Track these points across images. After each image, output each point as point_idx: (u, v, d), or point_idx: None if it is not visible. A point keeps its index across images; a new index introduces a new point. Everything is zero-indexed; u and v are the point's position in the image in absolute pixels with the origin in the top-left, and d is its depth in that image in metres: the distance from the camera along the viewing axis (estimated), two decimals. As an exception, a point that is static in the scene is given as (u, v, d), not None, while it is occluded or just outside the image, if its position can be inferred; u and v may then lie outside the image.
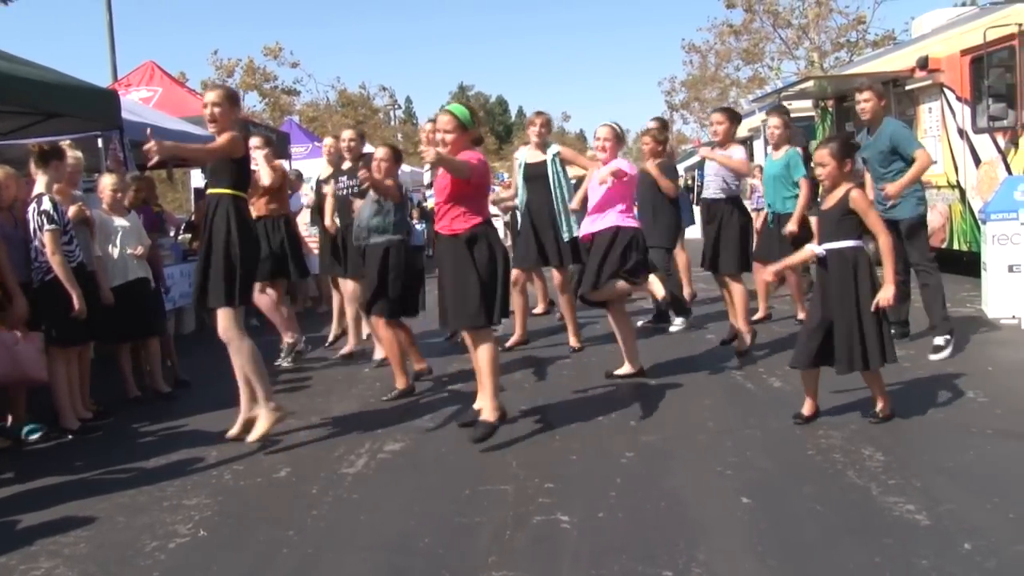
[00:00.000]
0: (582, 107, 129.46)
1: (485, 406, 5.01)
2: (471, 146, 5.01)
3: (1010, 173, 9.06)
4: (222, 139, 4.99)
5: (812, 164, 5.06)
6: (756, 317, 7.95)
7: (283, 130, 16.13)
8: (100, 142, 8.54)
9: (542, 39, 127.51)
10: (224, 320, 5.01)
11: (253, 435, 5.09)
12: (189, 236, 10.41)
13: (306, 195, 9.85)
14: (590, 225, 6.08)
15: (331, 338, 8.22)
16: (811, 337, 4.85)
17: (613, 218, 5.94)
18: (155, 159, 4.52)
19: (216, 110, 5.02)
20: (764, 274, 5.77)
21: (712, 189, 7.07)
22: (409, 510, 4.02)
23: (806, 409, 5.03)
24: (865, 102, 6.46)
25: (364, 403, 6.13)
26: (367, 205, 6.27)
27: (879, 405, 4.96)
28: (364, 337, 7.73)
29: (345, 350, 7.75)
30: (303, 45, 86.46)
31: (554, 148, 7.38)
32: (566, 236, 7.25)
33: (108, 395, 6.36)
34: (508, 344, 7.52)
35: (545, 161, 7.33)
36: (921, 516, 3.58)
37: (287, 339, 7.47)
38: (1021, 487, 3.86)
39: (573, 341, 7.49)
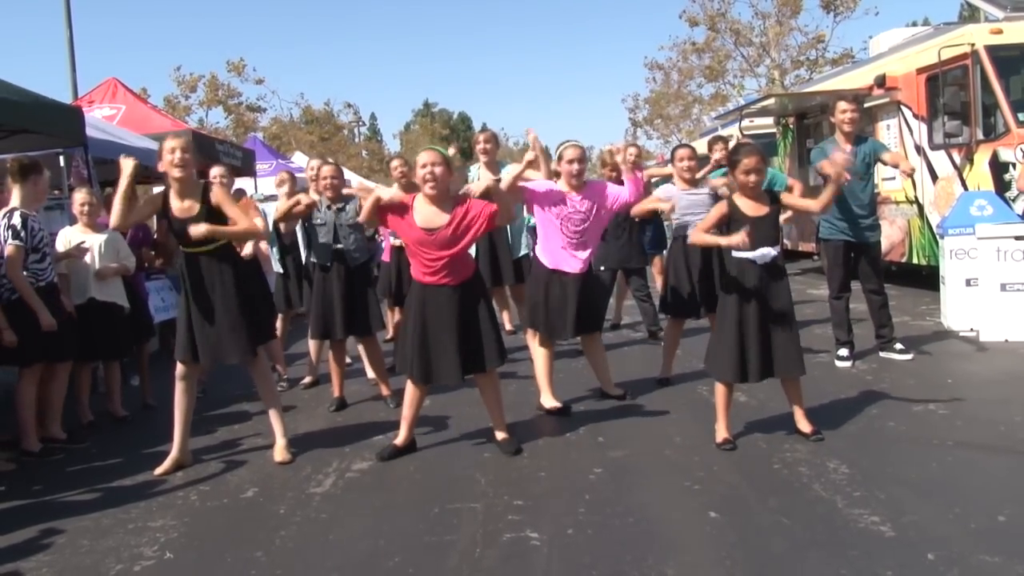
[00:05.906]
0: (546, 123, 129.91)
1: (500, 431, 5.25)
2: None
3: (966, 189, 9.26)
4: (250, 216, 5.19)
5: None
6: None
7: (247, 147, 16.04)
8: (62, 159, 8.45)
9: (505, 56, 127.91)
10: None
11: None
12: (152, 254, 10.28)
13: None
14: (567, 262, 5.78)
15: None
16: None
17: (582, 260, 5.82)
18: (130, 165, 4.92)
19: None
20: None
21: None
22: (378, 529, 4.00)
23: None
24: (853, 112, 6.54)
25: (331, 422, 6.09)
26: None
27: (802, 421, 5.04)
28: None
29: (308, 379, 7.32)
30: (267, 62, 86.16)
31: (508, 168, 7.31)
32: (520, 254, 7.22)
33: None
34: None
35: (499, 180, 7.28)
36: (885, 528, 3.64)
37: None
38: (982, 497, 3.93)
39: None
